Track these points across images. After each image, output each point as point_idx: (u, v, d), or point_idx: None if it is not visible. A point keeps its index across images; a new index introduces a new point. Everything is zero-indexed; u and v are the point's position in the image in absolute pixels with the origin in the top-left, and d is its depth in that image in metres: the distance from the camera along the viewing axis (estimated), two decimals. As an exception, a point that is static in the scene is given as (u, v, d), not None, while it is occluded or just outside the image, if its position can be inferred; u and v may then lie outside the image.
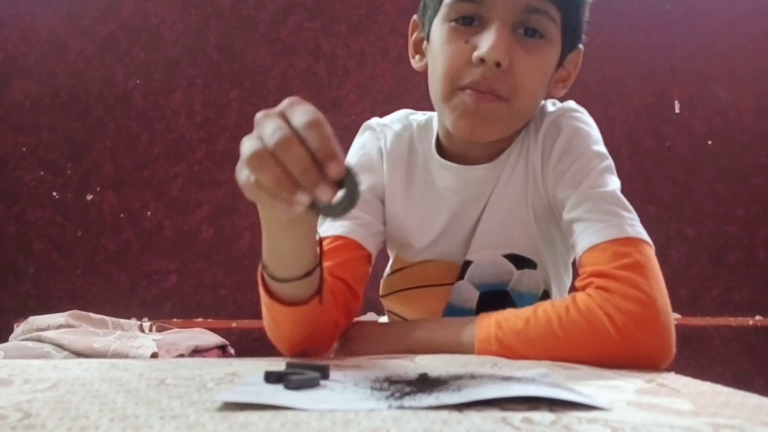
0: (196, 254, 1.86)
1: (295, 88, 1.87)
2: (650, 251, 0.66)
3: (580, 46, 0.78)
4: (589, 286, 0.64)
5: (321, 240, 0.71)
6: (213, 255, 1.85)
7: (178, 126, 1.88)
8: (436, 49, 0.73)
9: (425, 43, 0.78)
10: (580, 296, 0.64)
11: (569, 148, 0.74)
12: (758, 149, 1.92)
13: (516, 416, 0.37)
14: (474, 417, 0.37)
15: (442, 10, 0.72)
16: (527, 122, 0.78)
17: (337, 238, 0.76)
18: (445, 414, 0.37)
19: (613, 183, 0.71)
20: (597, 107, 1.88)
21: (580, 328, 0.61)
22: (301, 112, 0.45)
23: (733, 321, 1.86)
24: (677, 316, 1.80)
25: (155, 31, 1.90)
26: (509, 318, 0.65)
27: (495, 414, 0.38)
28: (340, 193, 0.45)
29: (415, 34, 0.80)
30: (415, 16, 0.80)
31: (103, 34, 1.90)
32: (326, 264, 0.68)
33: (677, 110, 1.93)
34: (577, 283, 0.67)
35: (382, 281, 0.90)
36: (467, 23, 0.69)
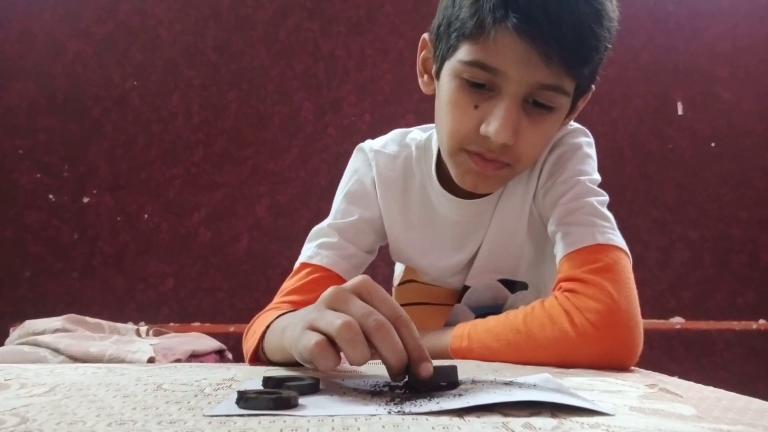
0: (194, 257, 1.85)
1: (294, 90, 1.86)
2: (621, 257, 0.68)
3: (592, 86, 0.75)
4: (559, 290, 0.68)
5: (303, 266, 0.78)
6: (210, 258, 1.85)
7: (176, 128, 1.87)
8: (445, 100, 0.70)
9: (434, 69, 0.74)
10: (548, 298, 0.68)
11: (557, 166, 0.77)
12: (762, 151, 1.91)
13: (517, 422, 0.37)
14: (475, 423, 0.36)
15: (456, 65, 0.67)
16: None
17: (317, 268, 0.78)
18: (445, 419, 0.37)
19: (594, 195, 0.74)
20: (599, 109, 1.89)
21: (540, 322, 0.65)
22: (389, 307, 0.45)
23: (737, 325, 1.85)
24: (680, 319, 1.80)
25: (153, 32, 1.90)
26: (488, 320, 0.70)
27: (496, 419, 0.37)
28: None
29: (423, 53, 0.76)
30: (425, 35, 0.75)
31: (101, 36, 1.89)
32: (305, 297, 0.72)
33: (680, 112, 1.92)
34: (553, 290, 0.70)
35: (393, 289, 0.94)
36: (479, 86, 0.67)
